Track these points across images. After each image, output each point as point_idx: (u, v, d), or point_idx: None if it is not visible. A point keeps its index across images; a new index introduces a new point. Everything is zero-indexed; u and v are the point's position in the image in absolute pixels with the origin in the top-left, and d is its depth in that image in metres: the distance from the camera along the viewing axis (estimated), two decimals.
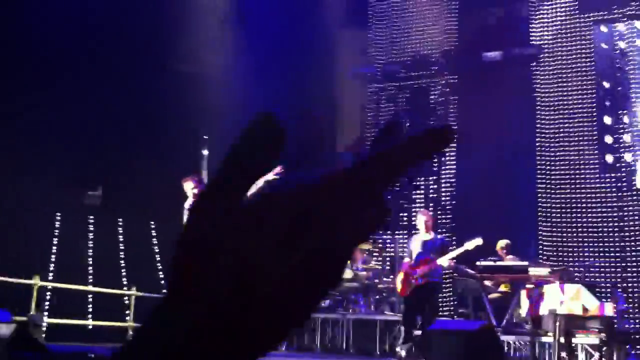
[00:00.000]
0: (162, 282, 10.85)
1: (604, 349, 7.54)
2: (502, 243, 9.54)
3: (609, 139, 11.00)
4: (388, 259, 11.56)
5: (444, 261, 8.02)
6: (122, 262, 10.69)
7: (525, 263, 8.35)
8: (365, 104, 13.12)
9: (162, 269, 11.02)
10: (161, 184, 10.77)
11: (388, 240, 11.77)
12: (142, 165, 10.57)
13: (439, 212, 11.78)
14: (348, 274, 10.20)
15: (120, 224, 10.96)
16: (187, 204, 7.26)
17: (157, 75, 10.91)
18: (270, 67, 11.96)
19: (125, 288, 10.38)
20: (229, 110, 11.25)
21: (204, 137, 10.95)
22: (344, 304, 10.07)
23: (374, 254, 11.47)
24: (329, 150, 12.57)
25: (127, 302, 10.27)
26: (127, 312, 10.17)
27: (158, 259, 11.09)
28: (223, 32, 11.80)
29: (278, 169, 6.15)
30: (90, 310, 9.94)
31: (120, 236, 10.91)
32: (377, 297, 10.30)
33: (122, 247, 10.82)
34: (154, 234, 11.20)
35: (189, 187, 7.36)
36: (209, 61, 11.34)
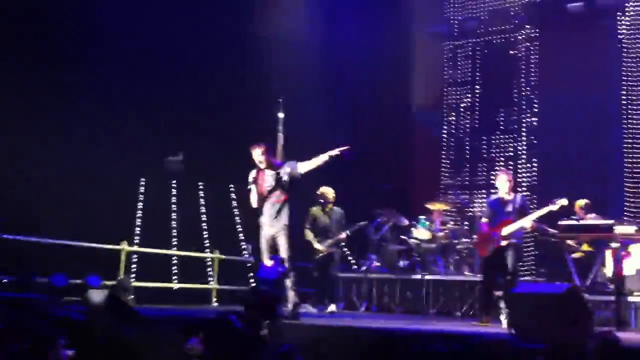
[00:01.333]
0: (242, 244, 11.08)
1: None
2: (581, 202, 9.28)
3: None
4: (466, 219, 11.43)
5: (527, 222, 7.85)
6: (204, 225, 10.95)
7: (610, 221, 8.08)
8: (442, 62, 12.86)
9: (242, 231, 11.24)
10: (239, 147, 10.92)
11: (466, 200, 11.64)
12: (220, 129, 10.73)
13: (519, 171, 11.53)
14: (426, 234, 10.16)
15: (201, 187, 11.20)
16: (252, 174, 7.24)
17: (233, 38, 10.98)
18: (344, 29, 11.85)
19: (207, 251, 10.65)
20: (304, 73, 11.26)
21: (279, 99, 11.00)
22: (422, 265, 10.05)
23: (452, 214, 11.36)
24: (408, 111, 12.46)
25: (209, 264, 10.55)
26: (210, 274, 10.45)
27: (238, 221, 11.31)
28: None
29: (344, 148, 6.00)
30: (175, 273, 10.25)
31: (202, 200, 11.16)
32: (456, 257, 10.24)
33: (204, 211, 11.07)
34: (234, 197, 11.40)
35: (257, 154, 7.27)
36: (284, 24, 11.31)
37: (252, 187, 7.22)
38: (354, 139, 11.76)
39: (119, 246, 8.70)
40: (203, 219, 11.00)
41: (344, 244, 9.73)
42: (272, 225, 7.18)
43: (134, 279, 9.05)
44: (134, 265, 9.71)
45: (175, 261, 10.32)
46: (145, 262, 9.76)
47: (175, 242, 10.46)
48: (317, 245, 9.15)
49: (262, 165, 7.20)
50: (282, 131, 10.78)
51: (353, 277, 10.22)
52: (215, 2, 10.72)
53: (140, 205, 10.29)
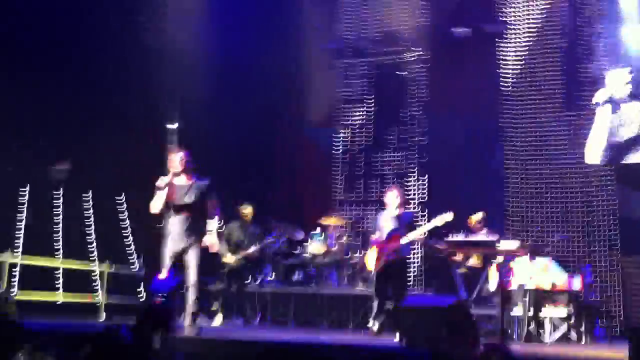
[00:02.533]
0: (131, 256, 10.79)
1: (571, 321, 7.74)
2: (478, 216, 9.65)
3: (573, 116, 11.19)
4: (359, 234, 11.65)
5: (414, 237, 8.12)
6: (91, 236, 10.60)
7: (494, 237, 8.46)
8: (336, 79, 13.07)
9: (131, 243, 10.96)
10: (129, 157, 10.70)
11: (359, 216, 11.86)
12: (111, 139, 10.46)
13: (410, 187, 11.88)
14: (321, 248, 10.29)
15: (88, 197, 10.85)
16: (164, 180, 6.99)
17: (124, 47, 10.74)
18: (239, 42, 11.84)
19: (94, 263, 10.30)
20: (197, 86, 11.16)
21: (172, 110, 10.88)
22: (316, 279, 10.16)
23: (346, 229, 11.55)
24: (301, 127, 12.55)
25: (96, 276, 10.21)
26: (95, 286, 10.12)
27: (127, 233, 11.02)
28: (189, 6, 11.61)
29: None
30: (60, 285, 9.84)
31: (89, 210, 10.80)
32: (350, 271, 10.41)
33: (91, 221, 10.72)
34: (122, 208, 11.13)
35: (176, 160, 6.99)
36: (176, 34, 11.19)
37: (162, 192, 6.92)
38: (248, 153, 11.81)
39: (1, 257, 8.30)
40: (89, 230, 10.66)
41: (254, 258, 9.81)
42: (182, 240, 6.95)
43: (15, 292, 8.64)
44: (16, 277, 9.26)
45: (60, 273, 9.91)
46: (29, 273, 9.33)
47: (61, 253, 10.05)
48: (225, 258, 9.24)
49: (177, 173, 6.96)
50: (175, 143, 10.68)
51: (247, 290, 10.17)
52: (105, 10, 10.46)
53: (22, 215, 9.83)
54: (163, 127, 11.01)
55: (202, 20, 11.50)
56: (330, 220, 10.61)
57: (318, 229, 10.51)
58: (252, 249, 9.50)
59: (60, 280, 9.83)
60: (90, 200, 10.65)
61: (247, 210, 9.67)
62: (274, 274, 10.45)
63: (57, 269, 9.81)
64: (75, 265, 9.91)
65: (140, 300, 10.15)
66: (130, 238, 10.92)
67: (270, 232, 10.31)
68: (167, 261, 6.98)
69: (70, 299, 9.64)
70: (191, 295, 6.93)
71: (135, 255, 10.71)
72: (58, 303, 9.52)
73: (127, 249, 10.85)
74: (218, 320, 9.19)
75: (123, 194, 11.00)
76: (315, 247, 10.32)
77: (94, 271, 10.22)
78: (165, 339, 5.84)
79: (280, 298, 10.06)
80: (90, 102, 10.33)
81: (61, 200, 10.27)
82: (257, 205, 10.04)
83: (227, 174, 10.96)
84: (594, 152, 10.80)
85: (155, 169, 10.58)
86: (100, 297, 9.86)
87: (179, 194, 6.95)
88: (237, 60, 11.76)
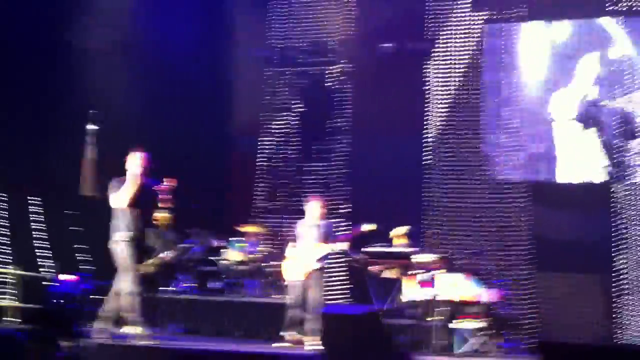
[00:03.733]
0: (40, 261, 10.44)
1: (481, 334, 7.88)
2: (401, 230, 9.66)
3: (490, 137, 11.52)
4: (277, 243, 11.59)
5: (333, 247, 8.14)
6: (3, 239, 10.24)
7: (409, 250, 8.58)
8: (262, 87, 13.03)
9: (43, 248, 10.62)
10: (47, 158, 10.38)
11: (278, 224, 11.79)
12: (27, 138, 10.15)
13: (332, 198, 11.90)
14: (238, 256, 10.18)
15: (3, 199, 10.49)
16: (118, 181, 6.98)
17: (46, 47, 10.47)
18: (166, 45, 11.67)
19: (4, 266, 9.93)
20: (120, 87, 10.94)
21: (92, 111, 10.59)
22: (232, 287, 10.04)
23: (265, 237, 11.47)
24: (224, 133, 12.41)
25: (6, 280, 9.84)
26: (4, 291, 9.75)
27: (40, 236, 10.69)
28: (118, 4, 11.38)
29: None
30: None
31: (3, 213, 10.44)
32: (266, 280, 10.33)
33: (5, 224, 10.37)
34: (39, 211, 10.79)
35: (138, 160, 6.97)
36: (103, 32, 10.95)
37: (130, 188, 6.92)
38: (168, 158, 11.56)
39: None
40: (3, 232, 10.28)
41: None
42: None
43: None
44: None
45: None
46: None
47: None
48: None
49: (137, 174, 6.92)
50: (94, 145, 10.39)
51: (160, 297, 9.93)
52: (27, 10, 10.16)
53: None
54: (83, 129, 10.70)
55: (129, 19, 11.28)
56: (249, 228, 10.53)
57: (237, 237, 10.40)
58: (163, 255, 9.29)
59: None
60: (4, 203, 10.31)
61: (158, 216, 9.44)
62: (187, 281, 10.23)
63: None
64: None
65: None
66: (43, 242, 10.59)
67: (187, 239, 10.15)
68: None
69: None
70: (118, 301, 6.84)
71: (47, 260, 10.37)
72: None
73: (40, 252, 10.51)
74: (127, 327, 8.88)
75: (39, 197, 10.68)
76: (232, 254, 10.21)
77: (4, 274, 9.84)
78: (70, 344, 5.67)
79: (194, 306, 9.82)
80: (9, 101, 10.03)
81: None
82: (179, 212, 9.85)
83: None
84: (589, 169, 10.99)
85: (73, 170, 10.38)
86: (7, 302, 9.48)
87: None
88: (164, 62, 11.60)
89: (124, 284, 6.89)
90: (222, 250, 10.24)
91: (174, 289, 9.99)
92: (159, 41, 11.60)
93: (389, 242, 9.47)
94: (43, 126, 10.40)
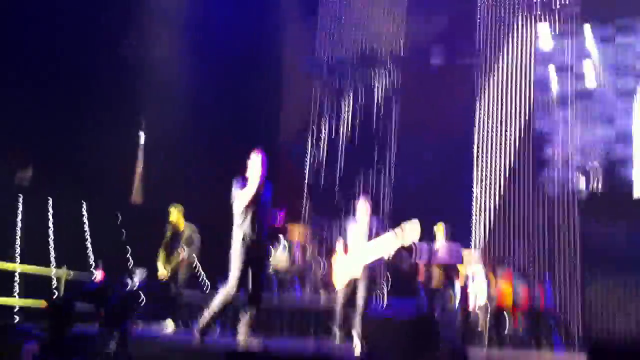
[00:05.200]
0: (91, 262, 10.60)
1: (531, 330, 7.77)
2: (439, 226, 9.60)
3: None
4: (325, 245, 11.57)
5: (385, 253, 8.03)
6: (51, 241, 10.40)
7: (456, 247, 8.49)
8: (311, 98, 13.11)
9: (91, 249, 10.78)
10: (94, 164, 10.56)
11: (325, 227, 11.79)
12: (75, 145, 10.32)
13: (380, 201, 11.88)
14: (284, 258, 10.17)
15: (51, 203, 10.67)
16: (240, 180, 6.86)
17: (96, 55, 10.65)
18: (215, 58, 11.79)
19: (54, 267, 10.09)
20: (169, 99, 11.09)
21: (141, 120, 10.76)
22: (279, 288, 10.03)
23: (312, 241, 11.46)
24: (273, 141, 12.49)
25: (55, 282, 9.99)
26: (56, 291, 9.90)
27: (88, 239, 10.84)
28: (167, 20, 11.56)
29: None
30: (17, 289, 9.61)
31: (51, 216, 10.61)
32: (314, 281, 10.30)
33: (50, 227, 10.54)
34: (85, 214, 10.95)
35: (256, 163, 6.79)
36: (152, 46, 11.11)
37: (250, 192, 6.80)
38: (218, 163, 11.66)
39: None
40: (51, 235, 10.45)
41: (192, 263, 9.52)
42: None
43: None
44: None
45: (17, 277, 9.67)
46: None
47: (19, 257, 9.83)
48: (159, 265, 9.01)
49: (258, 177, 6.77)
50: (142, 155, 10.54)
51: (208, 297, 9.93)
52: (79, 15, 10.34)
53: None
54: (132, 137, 10.84)
55: (180, 34, 11.44)
56: (297, 229, 10.51)
57: (283, 240, 10.39)
58: (183, 254, 9.05)
59: (17, 285, 9.60)
60: (51, 207, 10.48)
61: (172, 211, 9.18)
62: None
63: (15, 273, 9.58)
64: (33, 270, 9.67)
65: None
66: (90, 245, 10.74)
67: None
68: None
69: (28, 304, 9.40)
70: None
71: (94, 262, 10.51)
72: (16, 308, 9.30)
73: (86, 255, 10.65)
74: (170, 325, 8.88)
75: (84, 202, 10.85)
76: (278, 256, 10.18)
77: (53, 275, 10.01)
78: (121, 339, 5.73)
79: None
80: (57, 110, 10.22)
81: (21, 206, 10.07)
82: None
83: (199, 183, 10.89)
84: None
85: (119, 178, 10.54)
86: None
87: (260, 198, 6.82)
88: (215, 72, 11.71)
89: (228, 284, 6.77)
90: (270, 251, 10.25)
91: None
92: (210, 53, 11.71)
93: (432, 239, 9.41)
94: (96, 133, 10.58)
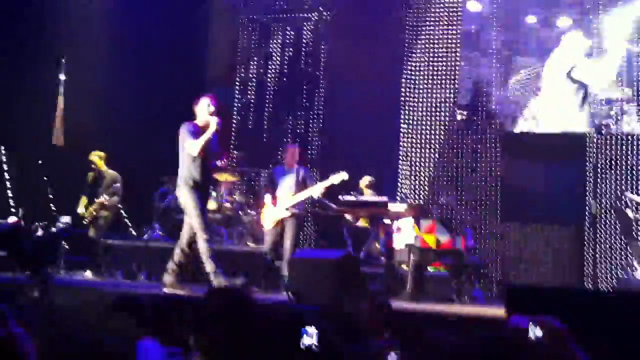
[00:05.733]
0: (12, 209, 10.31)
1: (454, 281, 8.01)
2: (366, 180, 9.87)
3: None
4: (253, 192, 11.58)
5: (311, 193, 8.12)
6: None
7: (385, 199, 8.62)
8: (237, 36, 12.82)
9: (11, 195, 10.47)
10: (16, 107, 10.16)
11: (253, 173, 11.76)
12: None
13: (305, 148, 11.87)
14: (212, 205, 10.13)
15: None
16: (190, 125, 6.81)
17: None
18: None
19: None
20: (90, 33, 10.71)
21: (62, 60, 10.36)
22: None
23: (240, 185, 11.45)
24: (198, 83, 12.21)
25: None
26: None
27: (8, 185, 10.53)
28: None
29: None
30: None
31: None
32: (240, 228, 10.32)
33: None
34: (3, 160, 10.61)
35: (206, 106, 6.83)
36: None
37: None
38: (143, 106, 11.40)
39: None
40: None
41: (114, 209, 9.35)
42: None
43: None
44: None
45: None
46: None
47: None
48: (79, 210, 8.88)
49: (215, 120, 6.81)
50: (62, 94, 10.17)
51: (133, 245, 9.86)
52: None
53: None
54: (52, 78, 10.46)
55: None
56: (224, 176, 10.45)
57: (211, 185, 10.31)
58: (101, 199, 8.89)
59: None
60: None
61: (93, 156, 9.08)
62: (163, 230, 10.16)
63: None
64: None
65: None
66: (10, 191, 10.44)
67: (162, 187, 10.08)
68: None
69: None
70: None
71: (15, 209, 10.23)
72: None
73: (7, 202, 10.35)
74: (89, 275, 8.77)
75: (2, 146, 10.49)
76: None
77: None
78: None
79: (168, 254, 9.71)
80: None
81: None
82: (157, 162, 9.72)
83: (124, 130, 10.67)
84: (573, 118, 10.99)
85: (41, 120, 10.19)
86: None
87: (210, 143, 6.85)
88: (135, 8, 11.32)
89: (193, 233, 6.75)
90: None
91: (148, 237, 9.93)
92: None
93: (357, 192, 9.55)
94: (13, 74, 10.15)
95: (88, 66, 10.63)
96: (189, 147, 6.79)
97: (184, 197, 6.82)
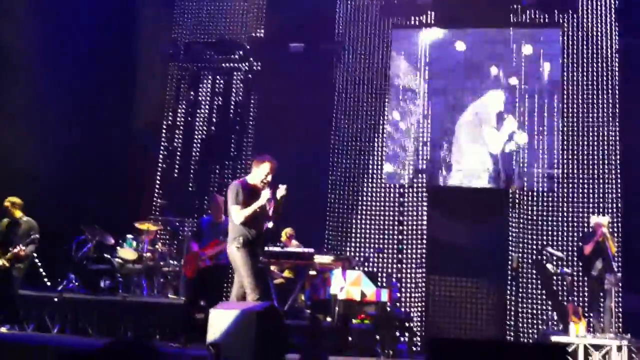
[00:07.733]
0: None
1: (377, 334, 7.93)
2: (287, 231, 9.80)
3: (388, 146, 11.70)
4: (176, 241, 11.29)
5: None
6: None
7: (311, 250, 8.52)
8: (167, 83, 12.70)
9: None
10: None
11: (176, 223, 11.47)
12: None
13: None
14: (132, 254, 9.81)
15: None
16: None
17: None
18: (68, 38, 11.20)
19: None
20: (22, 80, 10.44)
21: None
22: (125, 286, 9.63)
23: (163, 236, 11.16)
24: (126, 128, 11.97)
25: None
26: None
27: None
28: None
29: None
30: None
31: None
32: (161, 280, 10.00)
33: None
34: None
35: (264, 172, 6.61)
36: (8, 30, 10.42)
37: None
38: (68, 151, 11.03)
39: None
40: None
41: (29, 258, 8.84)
42: None
43: None
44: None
45: None
46: None
47: None
48: None
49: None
50: None
51: (47, 296, 9.31)
52: None
53: None
54: None
55: (32, 13, 10.76)
56: (146, 226, 10.16)
57: (132, 235, 10.02)
58: (17, 249, 8.23)
59: None
60: None
61: (8, 203, 8.49)
62: (78, 280, 9.69)
63: None
64: None
65: None
66: None
67: (80, 236, 9.71)
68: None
69: None
70: None
71: None
72: None
73: None
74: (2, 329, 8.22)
75: None
76: (126, 252, 9.79)
77: None
78: None
79: (83, 306, 9.25)
80: None
81: None
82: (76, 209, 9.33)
83: (48, 175, 10.32)
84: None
85: None
86: None
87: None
88: (68, 54, 11.12)
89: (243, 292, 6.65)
90: (117, 247, 9.82)
91: (62, 288, 9.47)
92: (61, 37, 11.11)
93: (282, 244, 9.47)
94: None
95: (8, 110, 10.28)
96: (233, 215, 6.56)
97: (233, 255, 6.55)
